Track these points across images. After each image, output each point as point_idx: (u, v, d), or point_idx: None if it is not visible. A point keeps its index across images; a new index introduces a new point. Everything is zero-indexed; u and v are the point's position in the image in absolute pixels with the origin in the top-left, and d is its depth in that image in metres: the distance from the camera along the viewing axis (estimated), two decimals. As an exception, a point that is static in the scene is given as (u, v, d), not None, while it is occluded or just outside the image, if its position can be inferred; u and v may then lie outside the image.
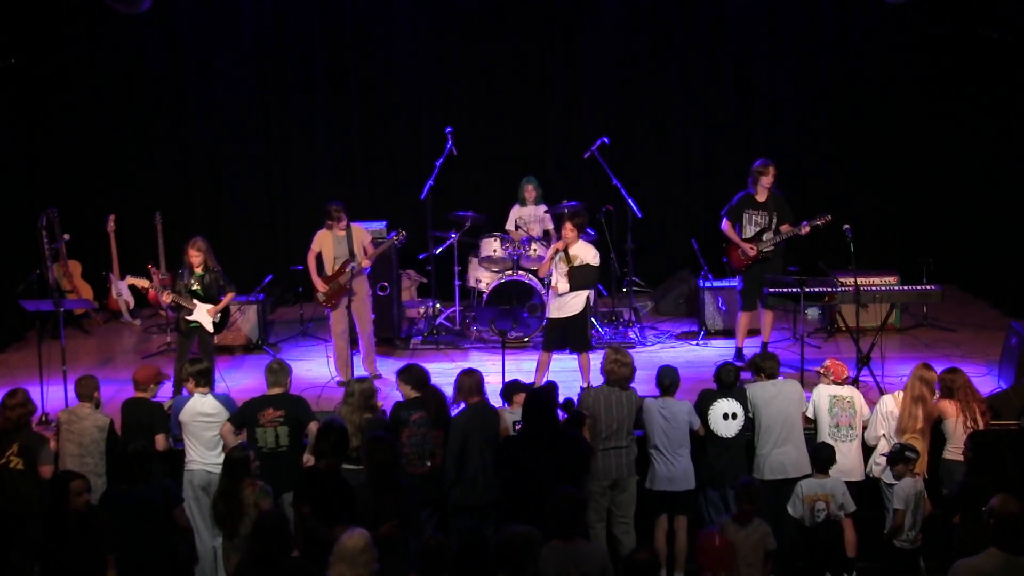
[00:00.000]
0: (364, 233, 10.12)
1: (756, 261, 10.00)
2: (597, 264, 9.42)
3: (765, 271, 10.00)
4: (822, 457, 7.86)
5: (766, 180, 9.96)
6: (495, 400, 8.29)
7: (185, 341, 9.46)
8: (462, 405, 7.79)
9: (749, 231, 10.04)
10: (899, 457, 7.68)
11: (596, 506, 7.79)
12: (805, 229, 9.85)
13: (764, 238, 9.97)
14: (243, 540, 6.82)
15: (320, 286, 9.95)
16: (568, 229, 9.30)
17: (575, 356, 9.64)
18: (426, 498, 7.77)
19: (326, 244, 9.97)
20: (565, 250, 9.31)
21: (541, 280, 10.40)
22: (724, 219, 10.16)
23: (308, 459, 7.67)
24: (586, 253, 9.35)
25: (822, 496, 7.72)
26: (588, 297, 9.47)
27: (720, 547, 7.18)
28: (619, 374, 7.90)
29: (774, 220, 9.96)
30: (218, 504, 7.12)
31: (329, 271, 9.96)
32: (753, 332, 10.47)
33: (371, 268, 10.04)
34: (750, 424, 8.20)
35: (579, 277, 9.30)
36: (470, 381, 7.77)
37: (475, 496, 7.57)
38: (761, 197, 10.02)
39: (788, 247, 10.20)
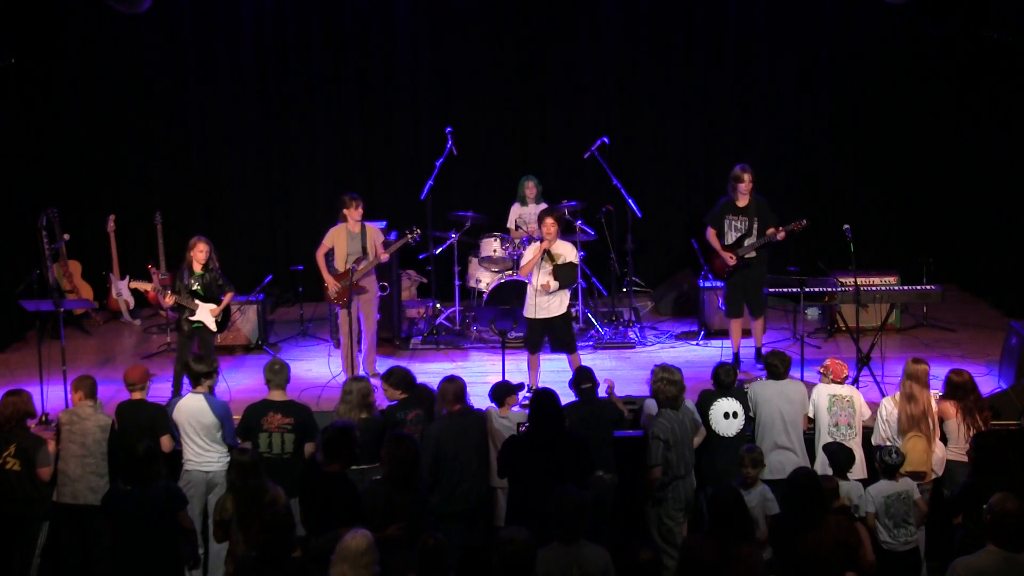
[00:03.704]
0: (377, 233, 10.09)
1: (737, 268, 9.92)
2: (577, 261, 9.46)
3: (747, 279, 9.90)
4: (839, 461, 7.62)
5: (743, 186, 9.82)
6: (484, 402, 8.20)
7: (186, 341, 9.46)
8: (443, 413, 7.66)
9: (730, 237, 9.94)
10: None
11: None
12: (780, 235, 9.66)
13: (745, 243, 9.87)
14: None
15: (331, 284, 9.93)
16: (550, 225, 9.25)
17: (564, 356, 9.62)
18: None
19: (339, 241, 9.94)
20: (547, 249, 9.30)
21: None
22: (707, 227, 10.11)
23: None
24: (568, 251, 9.36)
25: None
26: (567, 297, 9.48)
27: None
28: (666, 393, 7.73)
29: (755, 225, 9.80)
30: (227, 509, 6.86)
31: (340, 268, 9.93)
32: (747, 333, 10.45)
33: (373, 268, 10.01)
34: (752, 423, 8.18)
35: (564, 275, 9.29)
36: (452, 388, 7.64)
37: (452, 504, 7.44)
38: (741, 202, 9.88)
39: (782, 251, 10.09)
